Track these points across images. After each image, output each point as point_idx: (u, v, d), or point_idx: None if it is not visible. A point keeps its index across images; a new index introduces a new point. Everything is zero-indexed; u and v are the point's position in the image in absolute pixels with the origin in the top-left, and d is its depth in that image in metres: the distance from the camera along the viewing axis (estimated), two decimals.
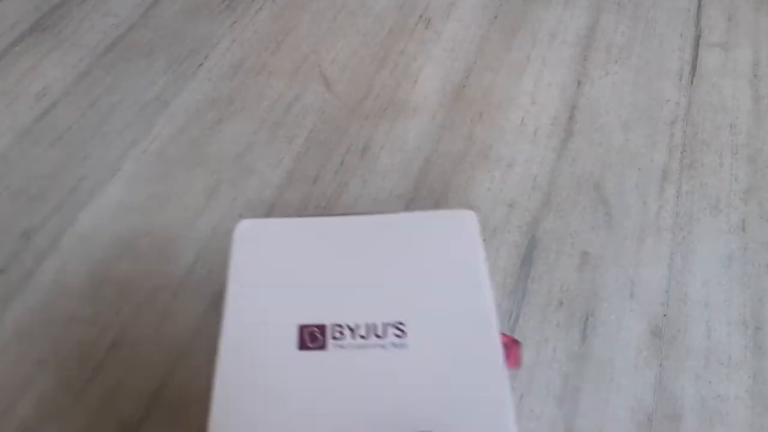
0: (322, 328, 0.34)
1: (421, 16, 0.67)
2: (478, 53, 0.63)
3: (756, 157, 0.54)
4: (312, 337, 0.34)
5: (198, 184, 0.53)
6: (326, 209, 0.51)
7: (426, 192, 0.52)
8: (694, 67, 0.61)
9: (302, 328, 0.34)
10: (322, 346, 0.34)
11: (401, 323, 0.34)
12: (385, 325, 0.34)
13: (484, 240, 0.37)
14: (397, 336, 0.34)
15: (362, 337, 0.34)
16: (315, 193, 0.52)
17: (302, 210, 0.51)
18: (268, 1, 0.70)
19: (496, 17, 0.67)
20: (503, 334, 0.36)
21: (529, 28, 0.65)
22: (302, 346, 0.34)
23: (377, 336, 0.34)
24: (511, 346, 0.38)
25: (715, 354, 0.43)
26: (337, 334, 0.34)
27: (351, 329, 0.35)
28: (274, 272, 0.37)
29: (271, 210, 0.51)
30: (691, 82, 0.60)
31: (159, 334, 0.45)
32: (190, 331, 0.45)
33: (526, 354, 0.43)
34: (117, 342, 0.44)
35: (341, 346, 0.34)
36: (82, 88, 0.61)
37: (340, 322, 0.35)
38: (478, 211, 0.50)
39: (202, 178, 0.54)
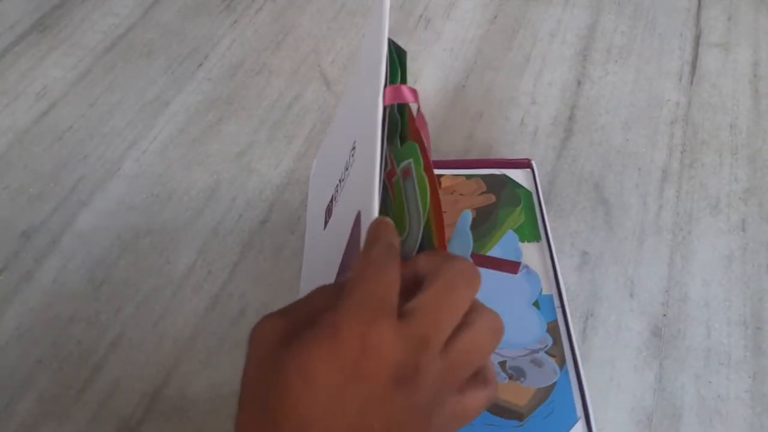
0: None
1: (421, 16, 0.67)
2: (478, 53, 0.63)
3: (756, 157, 0.54)
4: None
5: (198, 183, 0.53)
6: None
7: None
8: (694, 67, 0.61)
9: None
10: None
11: None
12: None
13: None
14: None
15: None
16: None
17: (302, 210, 0.51)
18: (268, 1, 0.70)
19: (496, 17, 0.67)
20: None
21: (529, 27, 0.65)
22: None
23: None
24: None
25: (715, 354, 0.43)
26: None
27: None
28: None
29: (271, 209, 0.51)
30: (691, 82, 0.60)
31: (159, 334, 0.45)
32: (190, 331, 0.45)
33: None
34: (117, 342, 0.44)
35: None
36: (82, 88, 0.61)
37: None
38: None
39: (202, 177, 0.54)
